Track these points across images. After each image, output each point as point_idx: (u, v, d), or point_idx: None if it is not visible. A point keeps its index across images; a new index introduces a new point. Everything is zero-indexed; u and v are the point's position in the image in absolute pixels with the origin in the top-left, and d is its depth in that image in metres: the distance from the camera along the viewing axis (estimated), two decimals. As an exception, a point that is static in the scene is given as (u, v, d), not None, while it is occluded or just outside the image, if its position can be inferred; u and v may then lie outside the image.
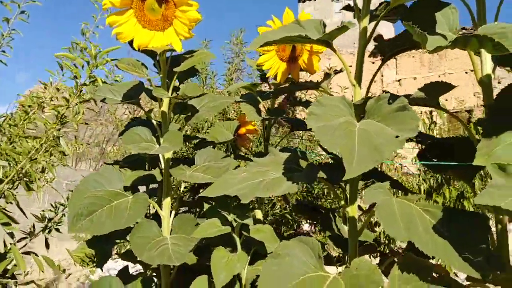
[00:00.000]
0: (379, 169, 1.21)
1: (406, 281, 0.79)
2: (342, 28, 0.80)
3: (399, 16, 0.86)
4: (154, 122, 1.22)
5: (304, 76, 1.44)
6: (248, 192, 0.89)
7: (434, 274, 0.79)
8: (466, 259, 0.71)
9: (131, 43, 1.05)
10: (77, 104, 1.64)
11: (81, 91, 1.65)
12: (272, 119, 1.41)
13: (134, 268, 1.43)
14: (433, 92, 0.91)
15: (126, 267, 1.21)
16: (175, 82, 1.21)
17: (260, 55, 1.34)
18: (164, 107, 1.23)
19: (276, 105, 1.48)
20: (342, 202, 0.93)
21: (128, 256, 1.20)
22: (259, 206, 1.41)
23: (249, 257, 0.98)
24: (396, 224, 0.76)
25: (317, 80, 1.16)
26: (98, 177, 1.21)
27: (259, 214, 1.39)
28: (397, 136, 0.74)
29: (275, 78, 1.33)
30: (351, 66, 0.81)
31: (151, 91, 1.16)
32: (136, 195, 1.14)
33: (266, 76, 1.39)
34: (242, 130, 1.55)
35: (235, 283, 0.94)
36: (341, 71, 1.25)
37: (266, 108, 1.46)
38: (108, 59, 1.68)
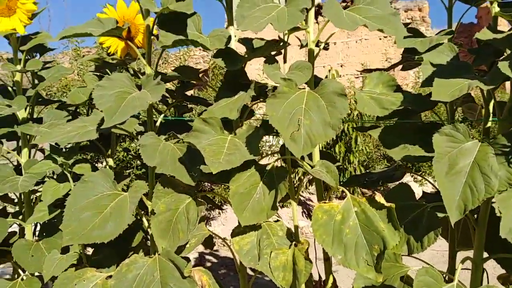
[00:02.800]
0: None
1: (166, 192, 1.26)
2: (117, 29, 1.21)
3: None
4: (10, 89, 1.55)
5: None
6: (66, 140, 1.30)
7: (181, 187, 1.27)
8: (190, 175, 1.19)
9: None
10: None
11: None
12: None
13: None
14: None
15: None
16: (25, 57, 1.55)
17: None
18: (17, 77, 1.56)
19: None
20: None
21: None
22: (111, 155, 1.82)
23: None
24: (154, 156, 1.22)
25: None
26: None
27: (111, 162, 1.81)
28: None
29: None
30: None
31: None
32: (-6, 146, 1.49)
33: (109, 52, 1.76)
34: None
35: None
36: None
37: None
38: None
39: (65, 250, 1.48)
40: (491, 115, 1.00)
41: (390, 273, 1.08)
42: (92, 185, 1.27)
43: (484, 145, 0.87)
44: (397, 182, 1.17)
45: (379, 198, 1.01)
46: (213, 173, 1.06)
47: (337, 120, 0.97)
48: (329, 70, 8.05)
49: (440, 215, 1.03)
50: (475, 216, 1.02)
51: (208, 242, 1.78)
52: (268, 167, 1.16)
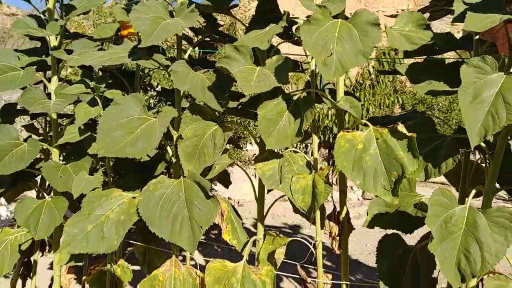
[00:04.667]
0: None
1: (194, 119, 1.32)
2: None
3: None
4: (43, 18, 1.59)
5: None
6: (98, 63, 1.35)
7: (209, 115, 1.32)
8: (218, 102, 1.24)
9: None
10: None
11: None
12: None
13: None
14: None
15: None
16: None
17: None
18: (50, 5, 1.60)
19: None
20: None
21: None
22: (135, 92, 1.87)
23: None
24: (185, 81, 1.26)
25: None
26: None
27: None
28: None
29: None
30: None
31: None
32: (27, 69, 1.55)
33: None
34: (124, 32, 1.95)
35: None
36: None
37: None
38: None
39: (92, 172, 1.57)
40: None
41: (405, 201, 1.15)
42: (124, 108, 1.33)
43: (509, 77, 0.91)
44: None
45: (401, 128, 1.06)
46: (239, 102, 1.11)
47: (368, 48, 1.01)
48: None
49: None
50: (491, 152, 1.07)
51: (225, 178, 1.86)
52: (295, 97, 1.21)
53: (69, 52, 1.66)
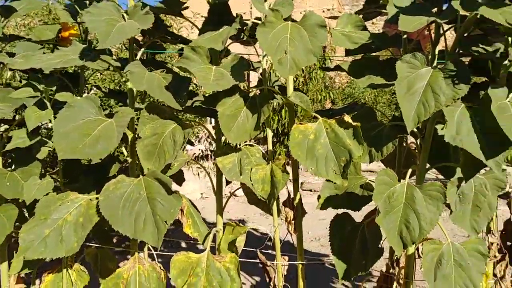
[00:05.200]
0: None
1: (151, 118, 1.35)
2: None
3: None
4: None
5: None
6: (48, 66, 1.33)
7: (167, 114, 1.36)
8: (177, 101, 1.29)
9: None
10: None
11: None
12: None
13: None
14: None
15: None
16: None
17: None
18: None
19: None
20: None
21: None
22: (80, 93, 1.84)
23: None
24: (142, 82, 1.29)
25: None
26: None
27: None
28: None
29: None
30: None
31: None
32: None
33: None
34: (66, 34, 1.90)
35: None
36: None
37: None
38: None
39: (40, 178, 1.53)
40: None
41: (352, 183, 1.29)
42: (78, 110, 1.32)
43: (436, 70, 1.08)
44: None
45: (348, 118, 1.20)
46: (193, 100, 1.17)
47: (318, 47, 1.13)
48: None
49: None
50: (422, 136, 1.24)
51: (179, 178, 1.90)
52: (251, 94, 1.29)
53: (11, 55, 1.59)
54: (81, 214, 1.35)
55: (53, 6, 1.75)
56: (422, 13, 1.08)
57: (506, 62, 1.14)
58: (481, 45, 1.17)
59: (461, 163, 1.10)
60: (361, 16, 1.52)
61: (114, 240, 1.94)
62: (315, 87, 6.88)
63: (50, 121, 1.46)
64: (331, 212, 1.41)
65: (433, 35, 1.21)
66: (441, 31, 1.18)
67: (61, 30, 1.90)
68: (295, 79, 7.05)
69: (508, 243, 1.53)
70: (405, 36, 1.33)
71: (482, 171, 1.14)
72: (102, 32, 1.20)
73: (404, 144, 1.47)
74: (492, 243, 1.27)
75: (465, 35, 1.18)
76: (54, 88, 1.45)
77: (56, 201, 1.38)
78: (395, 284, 1.27)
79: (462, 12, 1.02)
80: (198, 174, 5.28)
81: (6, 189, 1.48)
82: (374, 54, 1.31)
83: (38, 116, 1.39)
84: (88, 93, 3.23)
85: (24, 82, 1.63)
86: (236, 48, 1.44)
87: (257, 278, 2.92)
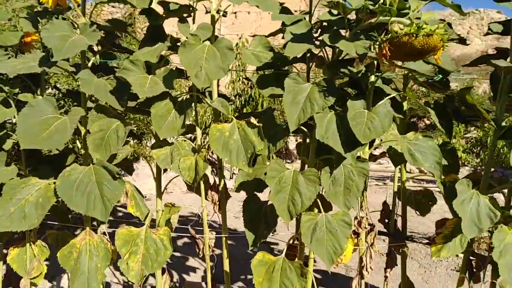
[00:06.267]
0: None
1: (99, 116, 1.65)
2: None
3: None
4: None
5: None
6: (13, 71, 1.60)
7: (111, 114, 1.66)
8: (120, 103, 1.59)
9: None
10: None
11: None
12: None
13: None
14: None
15: None
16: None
17: (34, -14, 1.94)
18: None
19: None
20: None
21: None
22: (42, 93, 2.10)
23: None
24: (90, 86, 1.59)
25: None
26: None
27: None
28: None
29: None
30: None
31: None
32: None
33: (41, 1, 2.01)
34: (28, 39, 2.16)
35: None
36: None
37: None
38: None
39: (7, 165, 1.80)
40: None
41: (260, 171, 1.64)
42: (38, 109, 1.61)
43: (313, 86, 1.43)
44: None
45: (253, 120, 1.54)
46: (137, 102, 1.49)
47: (226, 65, 1.46)
48: (240, 38, 8.75)
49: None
50: (310, 134, 1.60)
51: (129, 168, 2.20)
52: (179, 99, 1.62)
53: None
54: (41, 195, 1.64)
55: (16, 17, 1.99)
56: (305, 42, 1.43)
57: (372, 79, 1.51)
58: (349, 67, 1.53)
59: (334, 155, 1.47)
60: (269, 38, 1.85)
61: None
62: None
63: (14, 117, 1.74)
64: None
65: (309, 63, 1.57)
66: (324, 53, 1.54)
67: (24, 36, 2.16)
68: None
69: (386, 220, 1.93)
70: (308, 54, 1.68)
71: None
72: (55, 46, 1.49)
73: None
74: (362, 217, 1.65)
75: (340, 58, 1.54)
76: (17, 90, 1.73)
77: (20, 185, 1.67)
78: (299, 248, 1.63)
79: (329, 43, 1.37)
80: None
81: (-26, 175, 1.74)
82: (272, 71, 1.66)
83: (4, 113, 1.67)
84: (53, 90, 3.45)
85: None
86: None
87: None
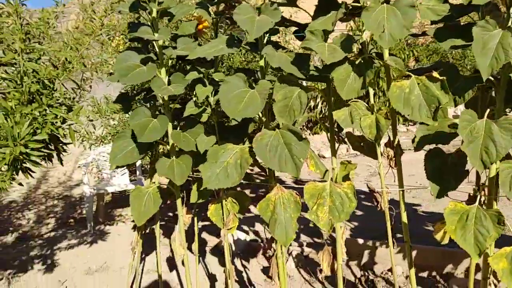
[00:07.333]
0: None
1: (282, 86, 1.86)
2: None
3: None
4: (149, 23, 2.13)
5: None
6: (208, 55, 1.89)
7: (293, 82, 1.85)
8: (301, 72, 1.77)
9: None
10: None
11: None
12: (218, 18, 2.35)
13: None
14: None
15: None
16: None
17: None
18: (154, 14, 2.14)
19: (220, 9, 2.40)
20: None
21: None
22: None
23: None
24: (274, 59, 1.79)
25: (241, -7, 2.09)
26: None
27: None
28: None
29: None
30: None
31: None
32: (149, 66, 2.11)
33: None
34: (200, 26, 2.48)
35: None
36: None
37: (213, 11, 2.38)
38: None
39: (207, 134, 2.14)
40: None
41: (441, 125, 1.67)
42: (232, 84, 1.87)
43: (505, 32, 1.40)
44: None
45: (436, 74, 1.57)
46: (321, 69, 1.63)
47: (409, 23, 1.51)
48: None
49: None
50: (498, 84, 1.57)
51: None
52: (357, 62, 1.73)
53: (173, 48, 2.20)
54: (238, 158, 1.93)
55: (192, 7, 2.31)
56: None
57: None
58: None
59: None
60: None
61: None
62: (397, 46, 6.97)
63: (209, 96, 2.05)
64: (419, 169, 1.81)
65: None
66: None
67: (198, 25, 2.48)
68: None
69: None
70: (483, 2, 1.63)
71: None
72: (248, 28, 1.71)
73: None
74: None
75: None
76: (212, 70, 2.03)
77: (219, 150, 1.98)
78: (478, 199, 1.65)
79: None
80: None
81: (183, 144, 2.12)
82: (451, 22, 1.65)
83: (204, 91, 1.98)
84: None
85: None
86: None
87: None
